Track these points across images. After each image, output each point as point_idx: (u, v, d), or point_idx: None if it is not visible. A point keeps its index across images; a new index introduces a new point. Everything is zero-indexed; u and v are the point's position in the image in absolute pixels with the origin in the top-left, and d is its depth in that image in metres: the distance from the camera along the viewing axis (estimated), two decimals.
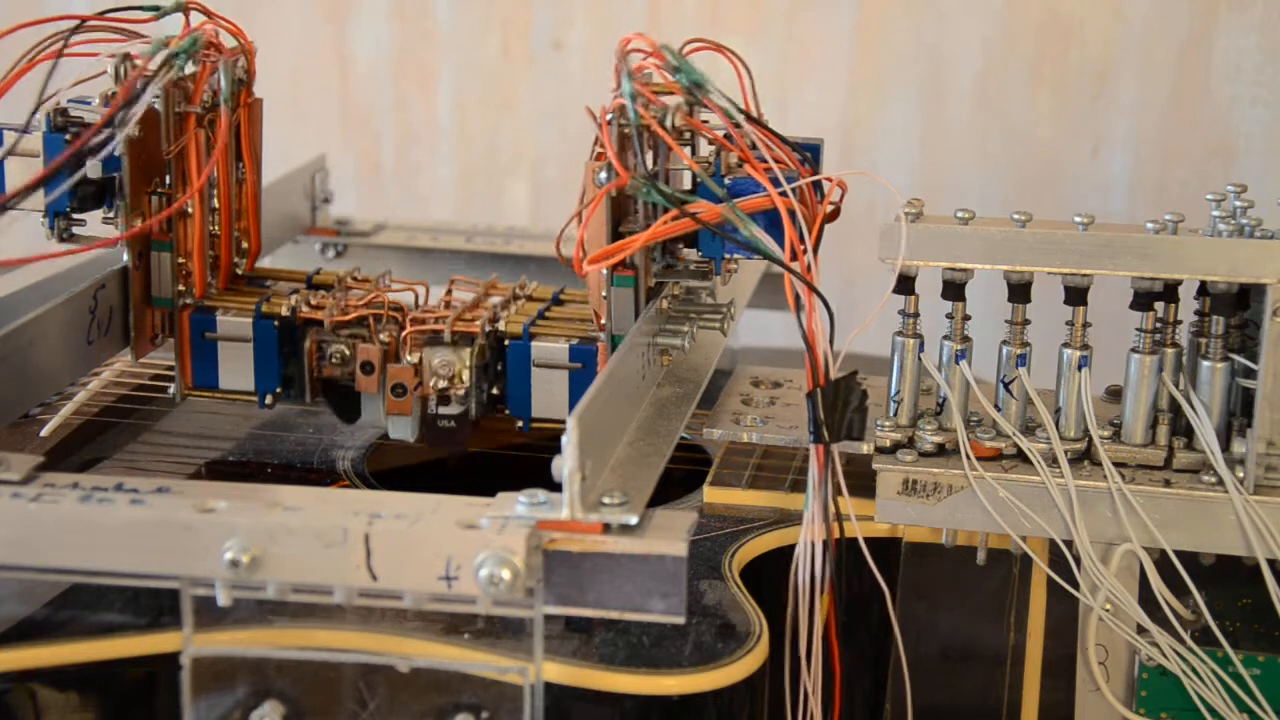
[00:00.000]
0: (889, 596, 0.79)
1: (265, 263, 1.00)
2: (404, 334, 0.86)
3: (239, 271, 0.92)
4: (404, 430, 0.86)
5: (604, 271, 0.82)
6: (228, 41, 0.88)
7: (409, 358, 0.85)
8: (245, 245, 0.93)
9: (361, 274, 0.94)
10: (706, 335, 0.88)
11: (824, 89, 1.41)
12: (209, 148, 0.87)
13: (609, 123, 0.79)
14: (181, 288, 0.88)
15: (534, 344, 0.86)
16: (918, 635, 0.82)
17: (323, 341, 0.87)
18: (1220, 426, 0.80)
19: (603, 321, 0.84)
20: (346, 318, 0.87)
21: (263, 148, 0.94)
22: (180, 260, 0.87)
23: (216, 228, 0.90)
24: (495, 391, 0.87)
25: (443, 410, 0.86)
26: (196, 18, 0.87)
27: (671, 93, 0.80)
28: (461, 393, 0.85)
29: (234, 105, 0.88)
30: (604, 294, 0.83)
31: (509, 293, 0.91)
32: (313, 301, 0.88)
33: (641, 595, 0.67)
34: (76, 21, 0.81)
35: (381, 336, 0.86)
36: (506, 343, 0.87)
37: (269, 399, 0.88)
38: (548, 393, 0.86)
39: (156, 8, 0.85)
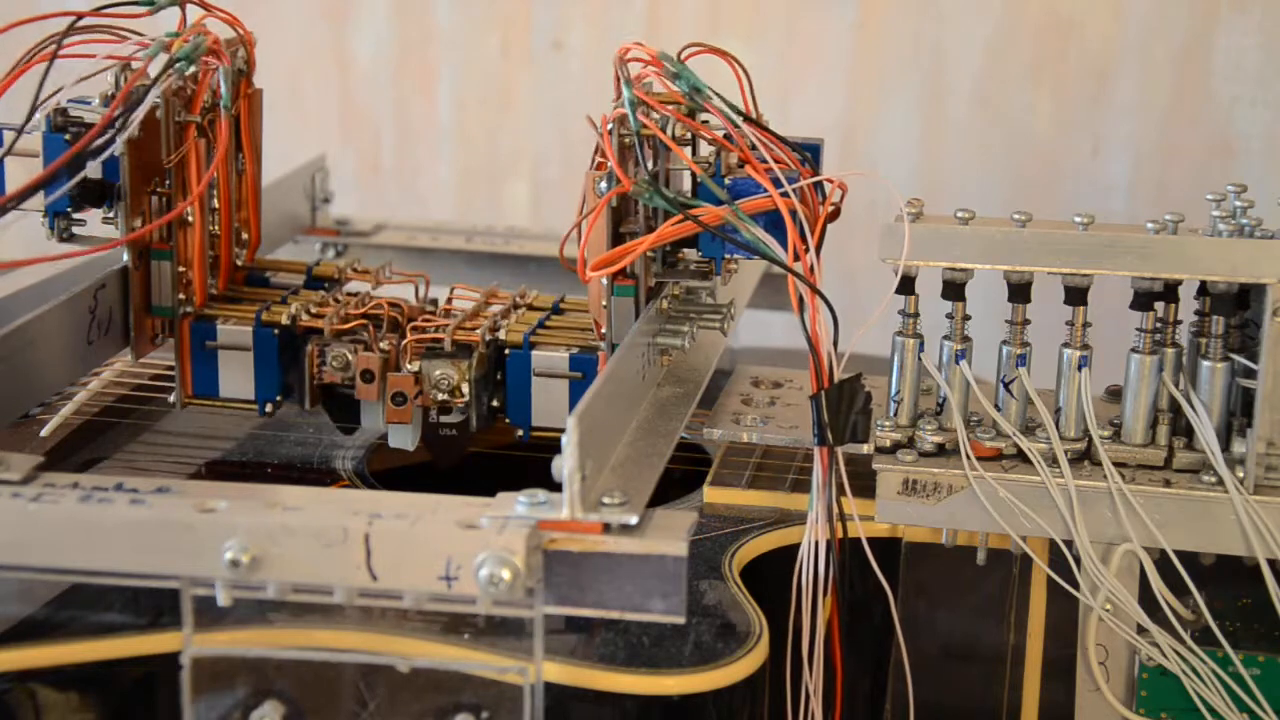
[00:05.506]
0: (891, 597, 0.79)
1: None
2: (404, 343, 0.86)
3: (239, 264, 0.92)
4: (404, 439, 0.86)
5: (604, 281, 0.82)
6: (226, 34, 0.88)
7: (409, 366, 0.85)
8: (245, 236, 0.93)
9: (362, 265, 0.94)
10: (706, 335, 0.88)
11: (824, 89, 1.41)
12: (209, 156, 0.87)
13: (610, 132, 0.79)
14: (182, 296, 0.88)
15: (534, 353, 0.86)
16: (918, 635, 0.82)
17: (323, 349, 0.87)
18: (1220, 426, 0.80)
19: (603, 330, 0.84)
20: (347, 326, 0.87)
21: (263, 142, 0.94)
22: (180, 269, 0.87)
23: (216, 228, 0.90)
24: (495, 404, 0.87)
25: (443, 419, 0.86)
26: (193, 15, 0.87)
27: (672, 100, 0.80)
28: (461, 404, 0.85)
29: (233, 101, 0.88)
30: (604, 303, 0.83)
31: (509, 301, 0.91)
32: (313, 310, 0.88)
33: (641, 595, 0.67)
34: (72, 19, 0.80)
35: (381, 345, 0.86)
36: (507, 352, 0.86)
37: (269, 407, 0.88)
38: (548, 401, 0.86)
39: (152, 1, 0.84)
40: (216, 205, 0.90)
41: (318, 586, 0.68)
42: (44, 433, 0.89)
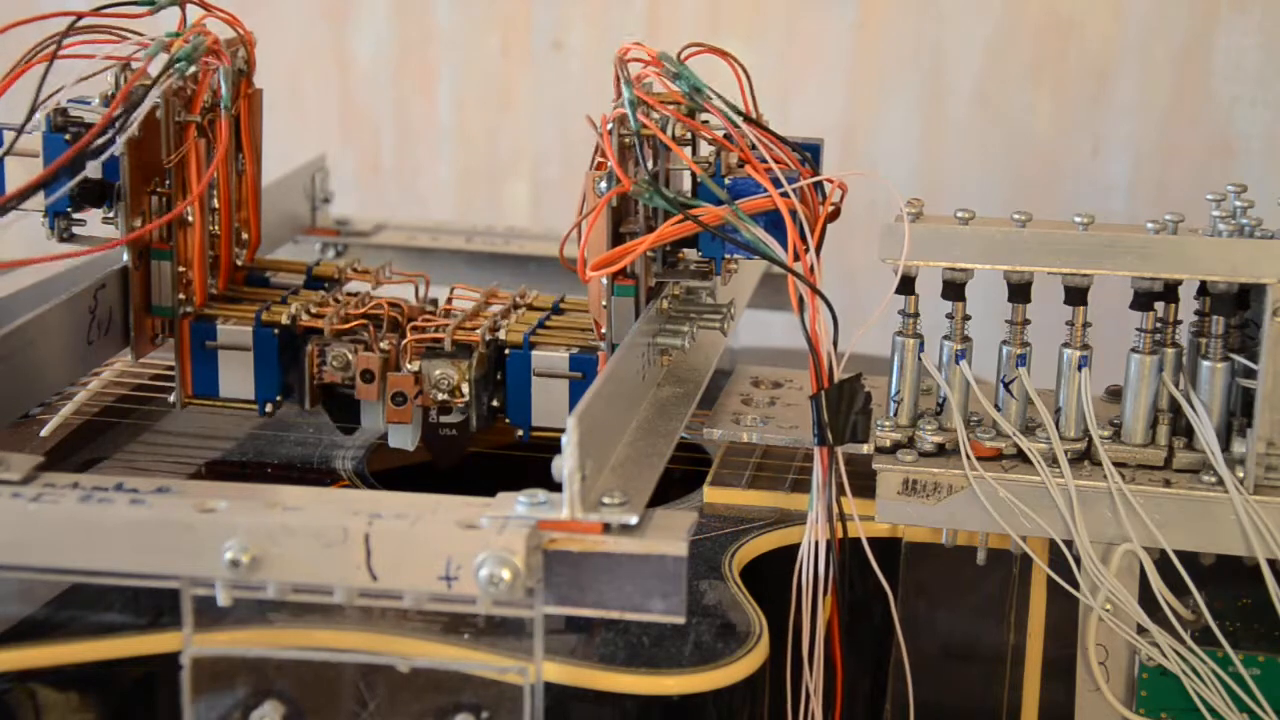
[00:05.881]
0: (891, 597, 0.79)
1: None
2: (404, 343, 0.86)
3: (239, 264, 0.92)
4: (404, 439, 0.86)
5: (604, 281, 0.82)
6: (226, 34, 0.88)
7: (409, 366, 0.85)
8: (245, 236, 0.93)
9: (362, 265, 0.94)
10: (706, 335, 0.88)
11: (824, 89, 1.41)
12: (209, 156, 0.87)
13: (610, 132, 0.79)
14: (182, 296, 0.88)
15: (534, 353, 0.86)
16: (918, 635, 0.82)
17: (323, 349, 0.87)
18: (1220, 426, 0.80)
19: (603, 330, 0.84)
20: (347, 326, 0.87)
21: (263, 142, 0.94)
22: (180, 269, 0.87)
23: (216, 228, 0.90)
24: (495, 404, 0.87)
25: (443, 419, 0.86)
26: (193, 13, 0.87)
27: (672, 100, 0.80)
28: (462, 404, 0.85)
29: (233, 101, 0.88)
30: (604, 303, 0.83)
31: (509, 301, 0.91)
32: (313, 310, 0.88)
33: (641, 595, 0.67)
34: (72, 19, 0.80)
35: (382, 345, 0.86)
36: (507, 352, 0.86)
37: (269, 407, 0.88)
38: (548, 401, 0.86)
39: (152, 1, 0.84)
40: (216, 205, 0.90)
41: (318, 586, 0.68)
42: (44, 433, 0.89)
